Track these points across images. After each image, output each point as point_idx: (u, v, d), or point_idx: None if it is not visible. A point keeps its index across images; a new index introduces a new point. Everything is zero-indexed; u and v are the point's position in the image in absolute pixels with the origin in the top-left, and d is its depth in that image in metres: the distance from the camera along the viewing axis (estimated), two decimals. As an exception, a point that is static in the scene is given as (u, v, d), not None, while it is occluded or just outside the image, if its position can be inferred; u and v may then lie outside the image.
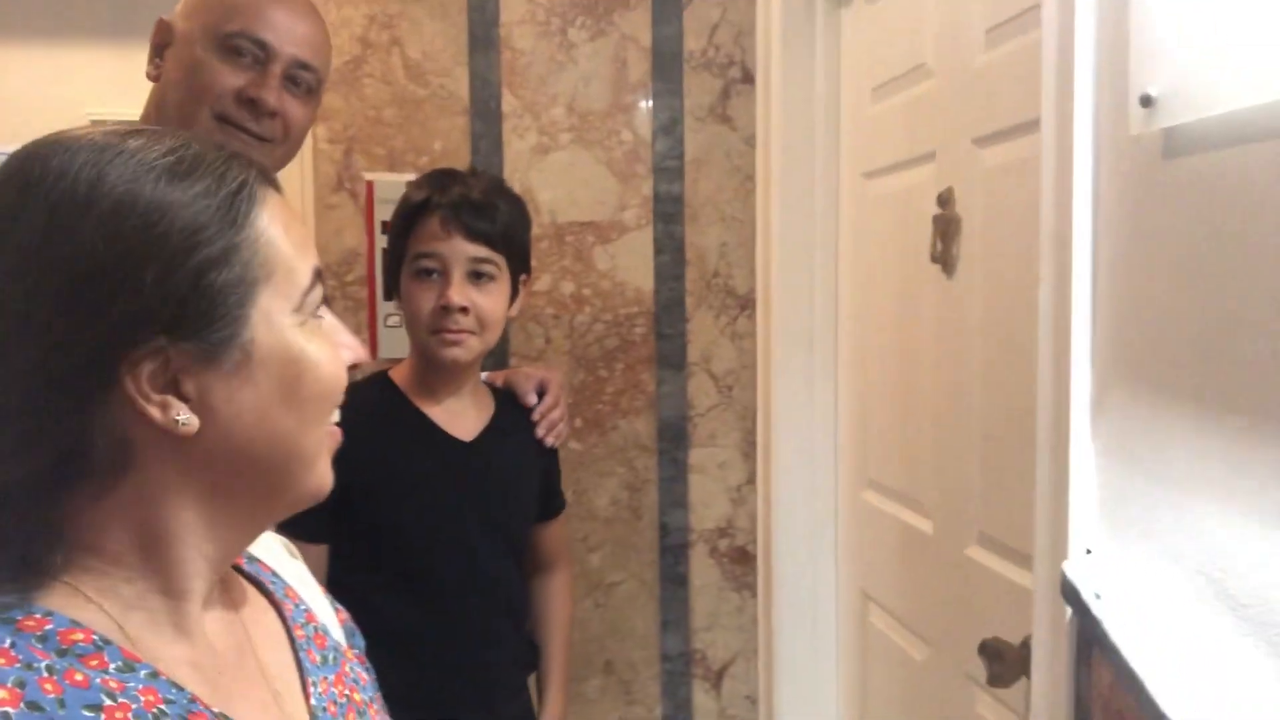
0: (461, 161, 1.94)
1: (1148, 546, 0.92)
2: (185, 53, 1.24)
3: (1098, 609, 0.94)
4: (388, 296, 1.54)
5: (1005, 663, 1.29)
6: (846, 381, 1.92)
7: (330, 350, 0.66)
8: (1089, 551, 1.02)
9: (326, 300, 0.69)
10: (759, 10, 1.98)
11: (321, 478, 0.67)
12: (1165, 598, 0.87)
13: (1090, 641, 0.98)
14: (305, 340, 0.64)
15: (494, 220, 1.41)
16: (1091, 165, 0.98)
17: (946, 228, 1.49)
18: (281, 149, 1.28)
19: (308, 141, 2.21)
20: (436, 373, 1.44)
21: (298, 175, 1.90)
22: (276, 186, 0.66)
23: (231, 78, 1.21)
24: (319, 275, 0.66)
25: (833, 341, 1.95)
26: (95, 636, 0.59)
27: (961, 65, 1.43)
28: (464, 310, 1.37)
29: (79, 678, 0.56)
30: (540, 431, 1.54)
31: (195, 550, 0.63)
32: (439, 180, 1.44)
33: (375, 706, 0.77)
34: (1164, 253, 0.88)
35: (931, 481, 1.57)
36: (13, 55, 2.26)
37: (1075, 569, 1.00)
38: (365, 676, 0.78)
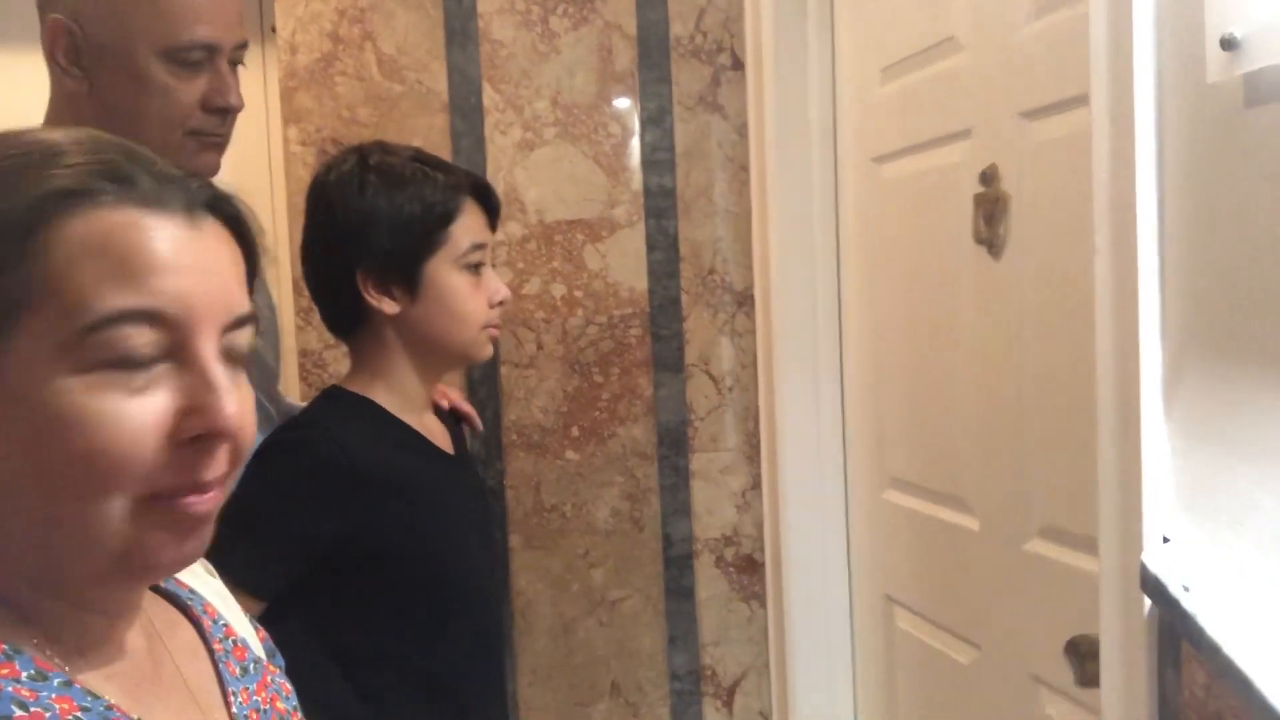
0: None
1: (1241, 534, 0.85)
2: (127, 69, 1.15)
3: (1188, 602, 0.86)
4: (407, 292, 1.25)
5: (1099, 661, 1.20)
6: (856, 376, 1.84)
7: (134, 414, 0.54)
8: (1166, 540, 0.94)
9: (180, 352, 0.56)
10: (747, -7, 1.90)
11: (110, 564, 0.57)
12: (1267, 589, 0.80)
13: (1178, 638, 0.90)
14: (80, 394, 0.53)
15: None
16: (1155, 121, 0.91)
17: (992, 207, 1.40)
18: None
19: (278, 144, 2.13)
20: (430, 384, 1.29)
21: (267, 180, 1.80)
22: (149, 203, 0.56)
23: (192, 92, 1.17)
24: (153, 319, 0.54)
25: (837, 335, 1.87)
26: (5, 646, 0.56)
27: (1003, 37, 1.35)
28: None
29: None
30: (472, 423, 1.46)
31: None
32: (420, 158, 1.27)
33: (299, 716, 0.76)
34: (1248, 210, 0.81)
35: (977, 476, 1.48)
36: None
37: (1155, 559, 0.92)
38: (288, 688, 0.77)
